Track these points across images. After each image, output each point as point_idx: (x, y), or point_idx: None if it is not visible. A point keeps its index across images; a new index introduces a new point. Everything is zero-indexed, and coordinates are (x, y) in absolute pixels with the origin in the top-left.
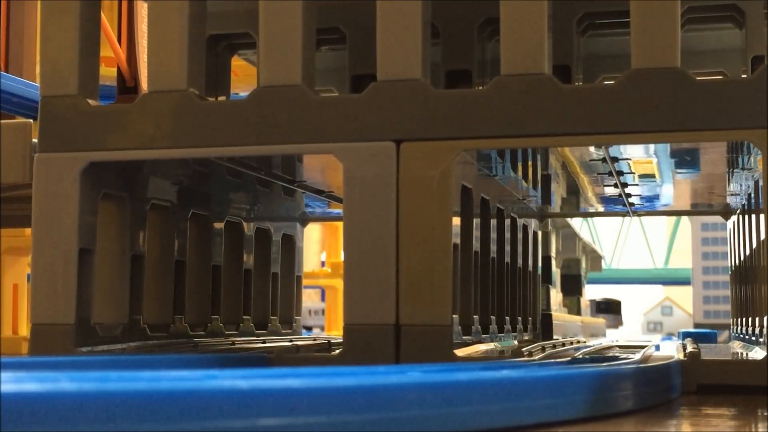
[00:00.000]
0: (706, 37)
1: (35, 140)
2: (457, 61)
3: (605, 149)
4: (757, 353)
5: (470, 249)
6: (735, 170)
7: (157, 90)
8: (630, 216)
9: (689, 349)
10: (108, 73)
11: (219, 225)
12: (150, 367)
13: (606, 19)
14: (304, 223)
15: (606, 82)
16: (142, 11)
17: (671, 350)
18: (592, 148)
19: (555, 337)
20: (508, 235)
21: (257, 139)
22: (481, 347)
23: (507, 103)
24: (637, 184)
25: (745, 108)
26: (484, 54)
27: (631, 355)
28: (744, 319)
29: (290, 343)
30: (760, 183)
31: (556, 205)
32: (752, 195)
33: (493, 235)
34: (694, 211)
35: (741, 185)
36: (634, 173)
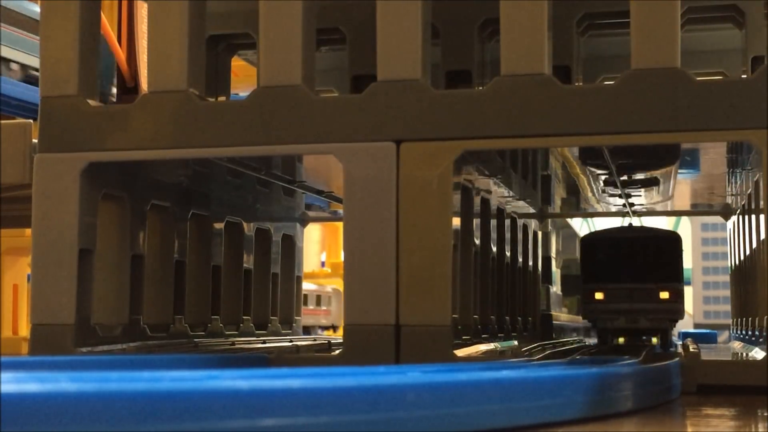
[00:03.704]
0: (706, 37)
1: (35, 140)
2: (457, 61)
3: (605, 150)
4: (757, 353)
5: (470, 249)
6: (735, 170)
7: (157, 90)
8: (630, 216)
9: (689, 349)
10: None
11: (219, 225)
12: (150, 367)
13: (606, 19)
14: (304, 223)
15: (606, 82)
16: (142, 11)
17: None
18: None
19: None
20: (508, 235)
21: (257, 139)
22: (481, 347)
23: (507, 103)
24: (637, 185)
25: (745, 108)
26: (484, 54)
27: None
28: (744, 319)
29: (290, 344)
30: (760, 183)
31: (556, 205)
32: (752, 195)
33: (493, 235)
34: (694, 211)
35: (741, 185)
36: (634, 174)
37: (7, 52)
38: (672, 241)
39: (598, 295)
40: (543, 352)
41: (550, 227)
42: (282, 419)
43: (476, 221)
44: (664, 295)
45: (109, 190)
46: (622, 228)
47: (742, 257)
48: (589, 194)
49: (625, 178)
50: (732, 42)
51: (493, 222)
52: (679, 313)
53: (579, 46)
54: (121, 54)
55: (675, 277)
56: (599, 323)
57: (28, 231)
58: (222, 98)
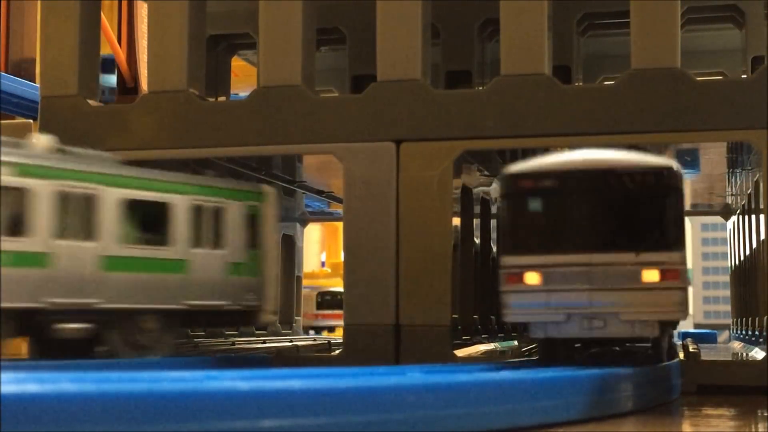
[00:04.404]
0: (706, 37)
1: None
2: (457, 61)
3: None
4: (757, 353)
5: (470, 249)
6: (735, 170)
7: (157, 90)
8: None
9: (689, 349)
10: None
11: None
12: (150, 367)
13: (606, 19)
14: (304, 223)
15: (606, 82)
16: (142, 11)
17: None
18: None
19: None
20: None
21: (257, 139)
22: (481, 347)
23: (507, 103)
24: None
25: (745, 108)
26: (484, 54)
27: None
28: (744, 319)
29: (290, 344)
30: (760, 183)
31: None
32: (752, 195)
33: (494, 235)
34: (694, 211)
35: (741, 185)
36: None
37: None
38: (663, 177)
39: (531, 278)
40: None
41: None
42: (282, 421)
43: (476, 221)
44: (651, 275)
45: None
46: (577, 157)
47: (742, 257)
48: None
49: None
50: (732, 42)
51: (493, 222)
52: (679, 307)
53: (579, 46)
54: (121, 54)
55: (670, 243)
56: (534, 329)
57: None
58: (222, 98)
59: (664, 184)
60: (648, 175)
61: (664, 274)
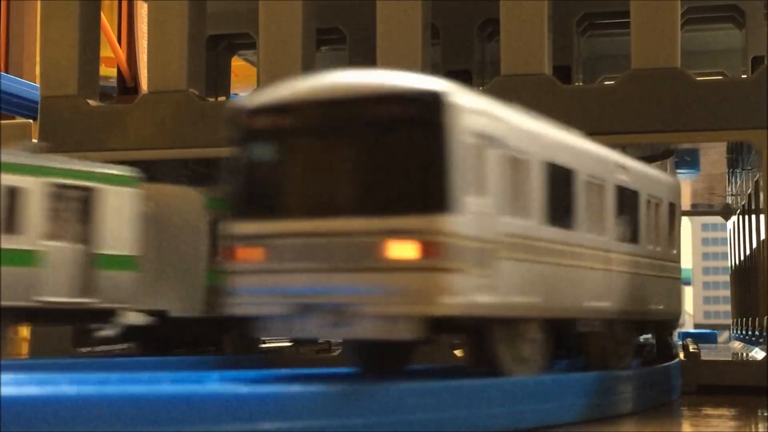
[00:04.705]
0: (706, 37)
1: (35, 140)
2: (457, 61)
3: None
4: (757, 353)
5: None
6: (735, 170)
7: (157, 90)
8: None
9: (689, 349)
10: (108, 74)
11: None
12: (151, 368)
13: (606, 19)
14: None
15: (606, 82)
16: (142, 11)
17: None
18: None
19: None
20: None
21: None
22: None
23: (506, 103)
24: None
25: (745, 108)
26: (484, 54)
27: None
28: (744, 319)
29: (290, 343)
30: (760, 183)
31: None
32: (752, 195)
33: None
34: (694, 211)
35: (741, 185)
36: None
37: None
38: (424, 107)
39: (250, 254)
40: None
41: None
42: (282, 423)
43: None
44: (401, 249)
45: None
46: (311, 84)
47: (742, 257)
48: None
49: None
50: (732, 42)
51: None
52: (445, 298)
53: (579, 46)
54: (121, 54)
55: (434, 203)
56: (260, 326)
57: None
58: (222, 98)
59: (426, 117)
60: (401, 105)
61: (421, 249)
